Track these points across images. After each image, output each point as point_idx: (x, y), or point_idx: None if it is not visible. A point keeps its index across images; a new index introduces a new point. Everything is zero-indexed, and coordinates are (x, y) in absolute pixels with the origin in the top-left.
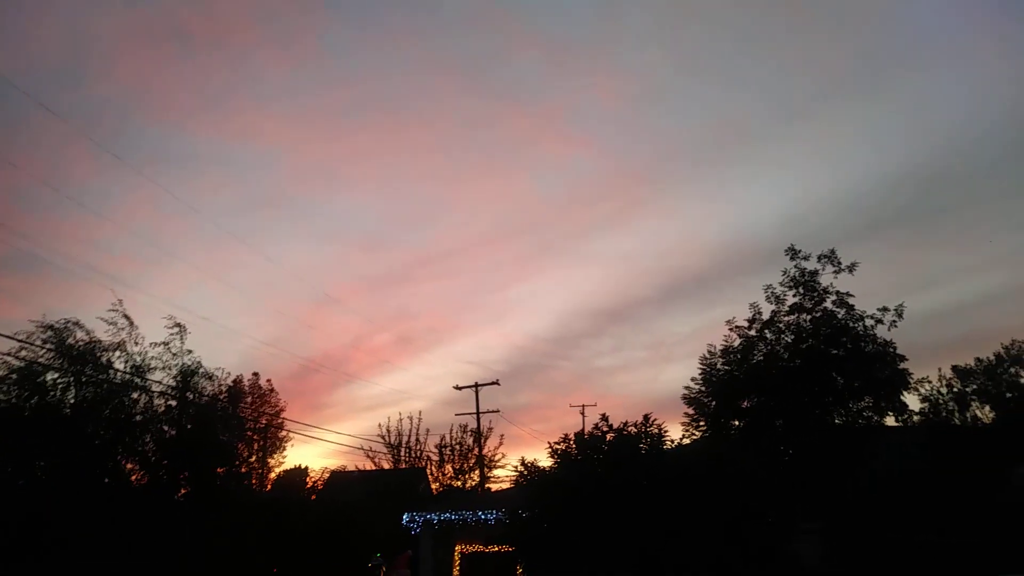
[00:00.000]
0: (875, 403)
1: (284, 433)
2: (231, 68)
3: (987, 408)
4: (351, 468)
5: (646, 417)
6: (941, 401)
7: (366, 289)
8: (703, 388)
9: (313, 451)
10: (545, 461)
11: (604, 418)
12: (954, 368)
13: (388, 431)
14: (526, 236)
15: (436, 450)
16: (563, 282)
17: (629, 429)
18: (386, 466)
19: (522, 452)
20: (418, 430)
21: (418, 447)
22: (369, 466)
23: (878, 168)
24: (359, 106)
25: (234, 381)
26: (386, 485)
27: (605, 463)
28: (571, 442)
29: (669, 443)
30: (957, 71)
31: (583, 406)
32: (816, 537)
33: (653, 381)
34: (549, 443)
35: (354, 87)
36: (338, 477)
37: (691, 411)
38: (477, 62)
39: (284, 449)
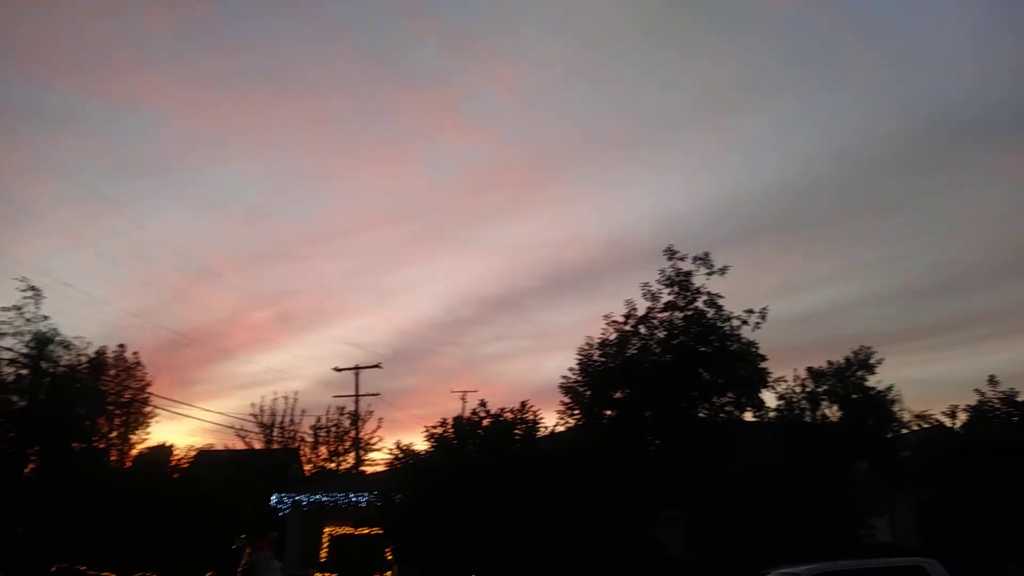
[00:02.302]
0: (737, 399)
1: (149, 409)
2: (112, 24)
3: (835, 407)
4: (220, 447)
5: (523, 404)
6: (795, 399)
7: (246, 264)
8: (580, 378)
9: (181, 428)
10: (422, 445)
11: (482, 404)
12: (808, 369)
13: (261, 410)
14: (415, 220)
15: (311, 431)
16: (451, 269)
17: (506, 415)
18: (258, 446)
19: (402, 436)
20: (293, 411)
21: (292, 428)
22: (240, 446)
23: (753, 178)
24: (250, 76)
25: (97, 352)
26: (256, 465)
27: (481, 448)
28: (448, 427)
29: (544, 430)
30: (828, 90)
31: (464, 392)
32: (678, 524)
33: (535, 370)
34: (426, 427)
35: (246, 56)
36: (206, 456)
37: (567, 400)
38: (376, 42)
39: (148, 426)
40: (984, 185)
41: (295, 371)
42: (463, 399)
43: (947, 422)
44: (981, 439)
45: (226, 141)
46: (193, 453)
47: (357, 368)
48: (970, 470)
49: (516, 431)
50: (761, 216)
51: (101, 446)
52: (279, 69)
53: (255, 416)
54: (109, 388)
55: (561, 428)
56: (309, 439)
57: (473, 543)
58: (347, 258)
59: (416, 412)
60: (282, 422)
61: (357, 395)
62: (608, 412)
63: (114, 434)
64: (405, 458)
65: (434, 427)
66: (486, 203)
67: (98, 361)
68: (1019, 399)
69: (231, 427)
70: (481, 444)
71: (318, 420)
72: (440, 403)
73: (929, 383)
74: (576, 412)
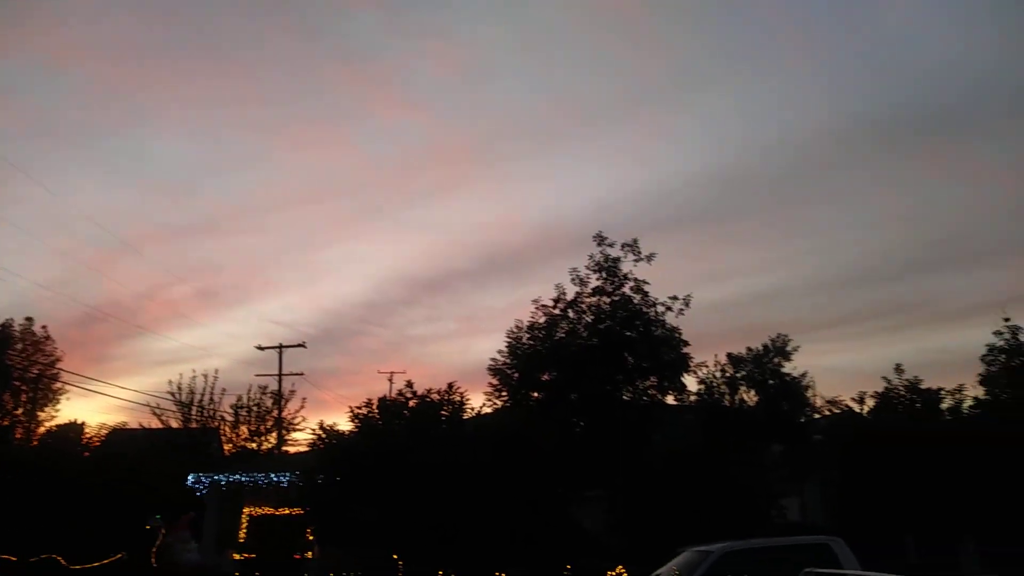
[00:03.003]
0: (660, 383)
1: (59, 385)
2: None
3: (753, 392)
4: (135, 426)
5: (450, 385)
6: (715, 384)
7: (168, 238)
8: (508, 361)
9: (94, 406)
10: (347, 426)
11: (409, 385)
12: (728, 355)
13: (180, 388)
14: (346, 198)
15: (232, 410)
16: (381, 248)
17: (432, 397)
18: (175, 425)
19: (326, 417)
20: (213, 389)
21: (212, 407)
22: (156, 425)
23: (684, 168)
24: (177, 43)
25: (1, 325)
26: (173, 445)
27: (406, 429)
28: (374, 407)
29: (470, 411)
30: (758, 84)
31: (391, 373)
32: (600, 504)
33: (464, 352)
34: (351, 408)
35: (176, 25)
36: (119, 435)
37: (495, 382)
38: (311, 16)
39: (58, 403)
40: (901, 182)
41: (216, 349)
42: (390, 380)
43: (856, 408)
44: (884, 424)
45: (152, 111)
46: (106, 432)
47: (281, 347)
48: (872, 453)
49: (442, 412)
50: (690, 206)
51: (5, 423)
52: (210, 40)
53: (173, 394)
54: (15, 363)
55: (488, 410)
56: (230, 418)
57: (395, 524)
58: (274, 234)
59: (342, 393)
60: (201, 400)
61: (280, 374)
62: (535, 394)
63: (20, 411)
64: (328, 439)
65: (359, 408)
66: (419, 183)
67: (2, 334)
68: (922, 387)
69: (147, 405)
70: (406, 425)
71: (239, 399)
72: (367, 384)
73: (842, 370)
74: (504, 394)
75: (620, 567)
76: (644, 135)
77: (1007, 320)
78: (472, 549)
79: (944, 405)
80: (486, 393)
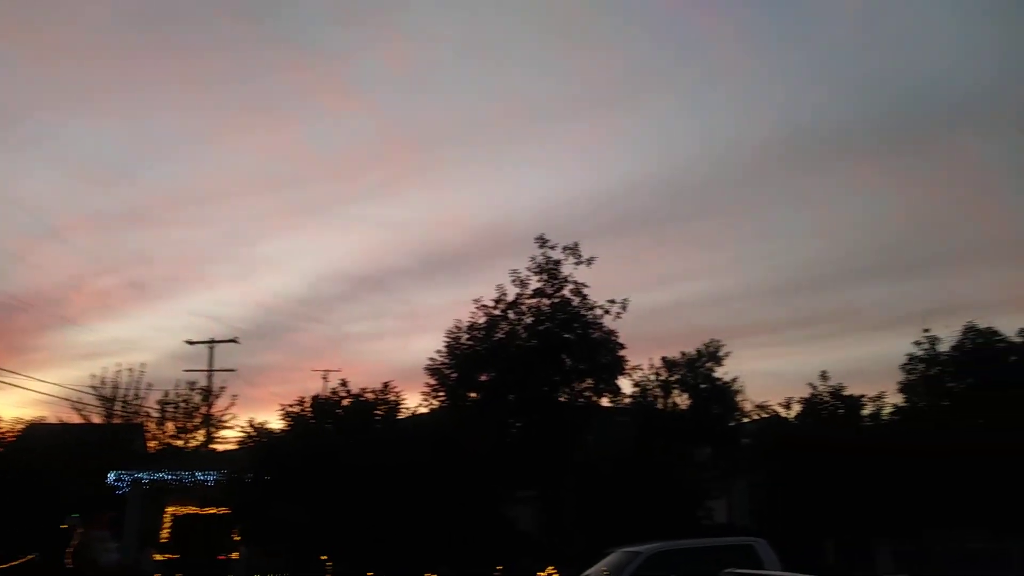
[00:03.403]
0: (596, 385)
1: None
2: None
3: (685, 396)
4: (54, 420)
5: (385, 385)
6: (649, 387)
7: (96, 226)
8: (447, 361)
9: (9, 400)
10: (278, 424)
11: (343, 383)
12: (663, 359)
13: (103, 382)
14: (287, 190)
15: (158, 406)
16: (321, 243)
17: (367, 396)
18: (97, 420)
19: (257, 415)
20: (139, 384)
21: (137, 402)
22: (77, 419)
23: (629, 173)
24: (112, 24)
25: None
26: (95, 441)
27: (339, 428)
28: (306, 405)
29: (406, 411)
30: (708, 91)
31: (327, 371)
32: (533, 504)
33: (403, 351)
34: (283, 405)
35: (113, 3)
36: (36, 429)
37: (433, 382)
38: None
39: None
40: (833, 194)
41: (144, 343)
42: (325, 378)
43: (783, 412)
44: (807, 430)
45: (82, 92)
46: (21, 426)
47: (212, 341)
48: (796, 458)
49: (377, 412)
50: (632, 210)
51: None
52: (148, 19)
53: (95, 388)
54: None
55: (424, 410)
56: (155, 415)
57: (325, 525)
58: (209, 225)
59: (275, 390)
60: (126, 395)
61: (210, 370)
62: (473, 395)
63: None
64: (258, 436)
65: (291, 405)
66: (363, 178)
67: None
68: (845, 393)
69: (67, 399)
70: (339, 424)
71: (166, 395)
72: (302, 382)
73: (771, 376)
74: (441, 394)
75: (551, 567)
76: (591, 138)
77: (926, 331)
78: (403, 550)
79: (865, 411)
80: (423, 393)
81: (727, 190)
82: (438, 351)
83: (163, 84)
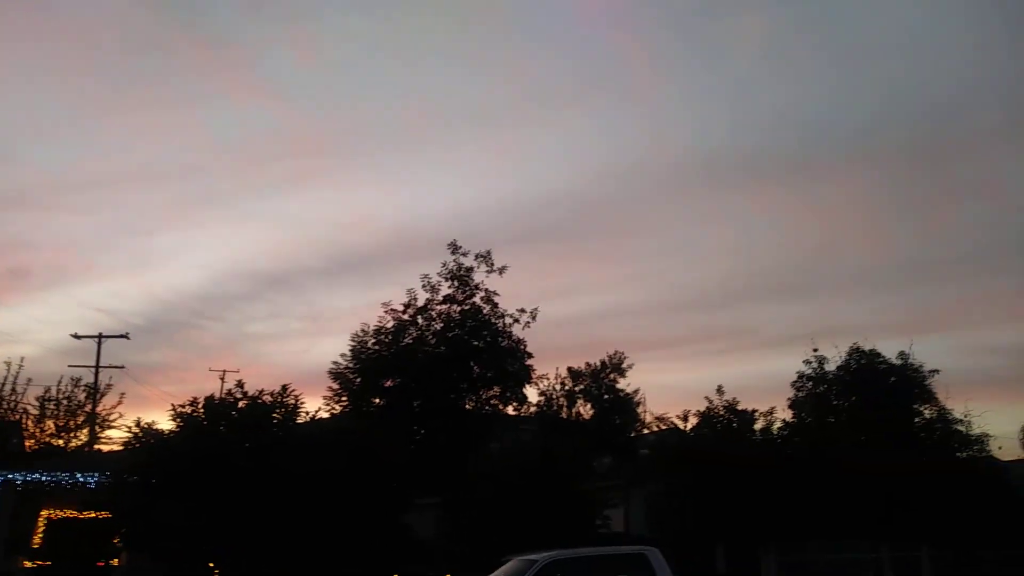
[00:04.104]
0: (503, 393)
1: None
2: None
3: (589, 406)
4: None
5: (284, 387)
6: (555, 396)
7: None
8: (351, 365)
9: None
10: (168, 425)
11: (239, 384)
12: (569, 369)
13: None
14: (187, 181)
15: (37, 403)
16: (222, 238)
17: (264, 398)
18: None
19: (148, 415)
20: (17, 378)
21: (13, 398)
22: None
23: (541, 185)
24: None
25: None
26: None
27: (233, 431)
28: (199, 407)
29: (305, 415)
30: (619, 111)
31: (224, 371)
32: (435, 511)
33: (306, 354)
34: (173, 405)
35: None
36: None
37: (336, 386)
38: None
39: None
40: (736, 216)
41: (26, 335)
42: (222, 379)
43: (680, 424)
44: (702, 442)
45: None
46: None
47: (100, 336)
48: (690, 468)
49: (274, 415)
50: (544, 221)
51: None
52: None
53: None
54: None
55: (326, 415)
56: (34, 412)
57: (214, 532)
58: (100, 212)
59: (167, 390)
60: (1, 390)
61: (98, 366)
62: (377, 401)
63: None
64: (146, 437)
65: (182, 406)
66: (269, 173)
67: None
68: (739, 407)
69: None
70: (234, 427)
71: (47, 391)
72: (197, 381)
73: (672, 388)
74: (344, 399)
75: (448, 575)
76: (505, 148)
77: (815, 350)
78: (296, 558)
79: (757, 426)
80: (325, 397)
81: (635, 207)
82: (342, 355)
83: (51, 61)
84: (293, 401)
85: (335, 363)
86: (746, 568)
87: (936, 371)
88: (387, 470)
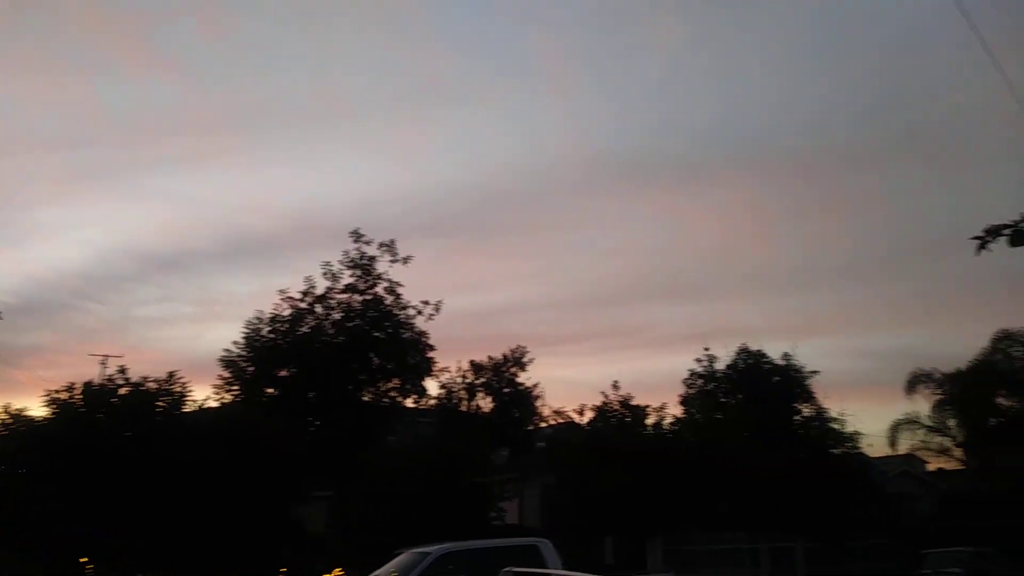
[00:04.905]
0: (403, 385)
1: None
2: None
3: (489, 399)
4: None
5: (170, 374)
6: (455, 389)
7: None
8: (244, 353)
9: None
10: (42, 411)
11: (121, 370)
12: (471, 362)
13: None
14: (74, 152)
15: None
16: (110, 214)
17: (148, 385)
18: None
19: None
20: None
21: None
22: None
23: (449, 177)
24: None
25: None
26: None
27: (114, 418)
28: (76, 392)
29: (193, 404)
30: (525, 107)
31: (106, 356)
32: (327, 504)
33: (197, 340)
34: (48, 390)
35: None
36: None
37: (227, 374)
38: None
39: None
40: (645, 217)
41: None
42: (104, 363)
43: (577, 419)
44: (594, 436)
45: None
46: None
47: None
48: (583, 462)
49: (159, 403)
50: (451, 214)
51: None
52: None
53: None
54: None
55: (215, 403)
56: None
57: (88, 524)
58: None
59: (42, 374)
60: None
61: None
62: (271, 390)
63: None
64: (16, 424)
65: (58, 391)
66: (164, 149)
67: None
68: (633, 403)
69: None
70: (115, 415)
71: None
72: (76, 366)
73: (570, 383)
74: (235, 388)
75: (339, 569)
76: (413, 137)
77: (707, 349)
78: (178, 551)
79: (649, 421)
80: (215, 386)
81: (543, 203)
82: (235, 342)
83: None
84: (180, 389)
85: (227, 351)
86: (633, 558)
87: (816, 372)
88: (278, 462)
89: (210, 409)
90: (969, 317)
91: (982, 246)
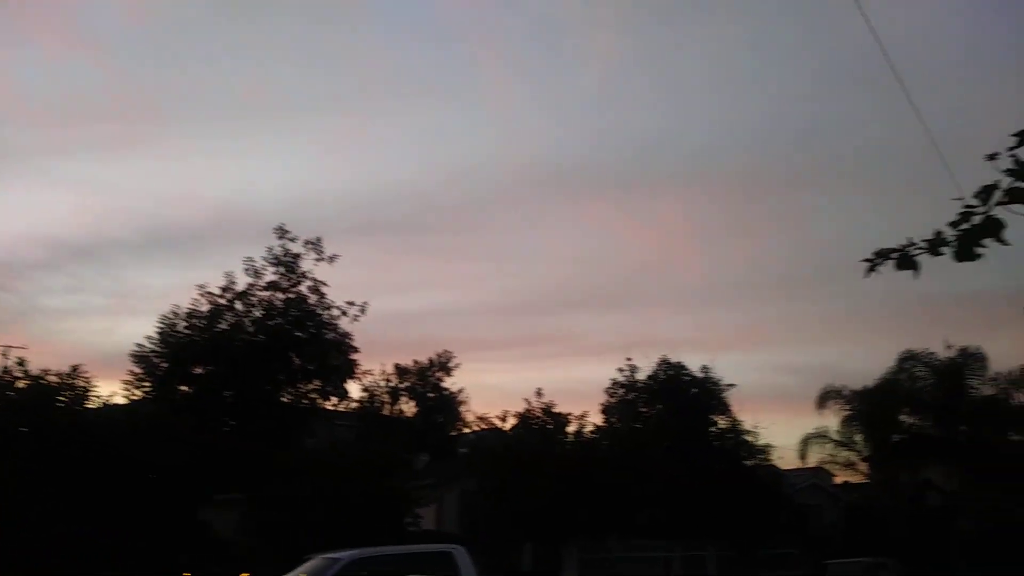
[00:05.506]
0: (323, 387)
1: None
2: None
3: (412, 404)
4: None
5: (74, 368)
6: (378, 393)
7: None
8: (158, 348)
9: None
10: None
11: (20, 363)
12: (396, 366)
13: None
14: None
15: None
16: (17, 199)
17: (49, 379)
18: None
19: None
20: None
21: None
22: None
23: (380, 178)
24: None
25: None
26: None
27: (10, 413)
28: None
29: (97, 400)
30: (464, 108)
31: (6, 347)
32: (239, 508)
33: (109, 333)
34: None
35: None
36: None
37: (138, 370)
38: None
39: None
40: (575, 226)
41: None
42: (3, 354)
43: (500, 425)
44: (515, 443)
45: None
46: None
47: None
48: (504, 468)
49: (61, 398)
50: (382, 215)
51: None
52: None
53: None
54: None
55: (123, 400)
56: None
57: None
58: None
59: None
60: None
61: None
62: (185, 388)
63: None
64: None
65: None
66: (81, 133)
67: None
68: (555, 410)
69: None
70: (11, 409)
71: None
72: None
73: (496, 389)
74: (146, 384)
75: (246, 574)
76: (345, 136)
77: (629, 359)
78: (74, 553)
79: (570, 428)
80: (125, 381)
81: (476, 209)
82: (148, 337)
83: None
84: (83, 383)
85: (139, 345)
86: (550, 564)
87: (733, 385)
88: (188, 463)
89: (117, 406)
90: (883, 336)
91: (871, 268)
